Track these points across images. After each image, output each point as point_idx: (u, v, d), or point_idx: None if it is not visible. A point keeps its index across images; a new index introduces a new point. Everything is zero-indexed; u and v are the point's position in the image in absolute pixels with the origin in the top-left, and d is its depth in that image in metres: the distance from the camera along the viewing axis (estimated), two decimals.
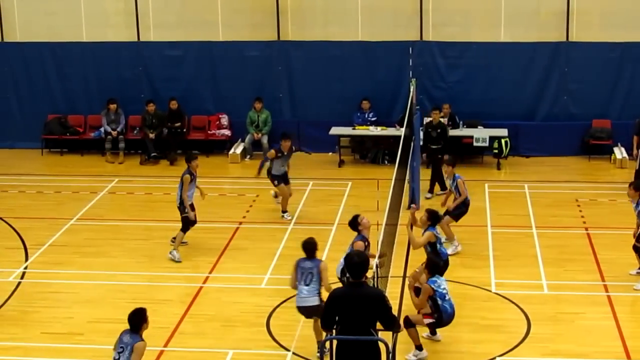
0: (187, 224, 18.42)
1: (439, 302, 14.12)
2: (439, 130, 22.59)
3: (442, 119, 24.50)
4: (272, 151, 20.66)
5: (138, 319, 12.05)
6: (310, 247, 14.18)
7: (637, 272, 17.30)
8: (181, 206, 18.30)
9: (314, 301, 13.99)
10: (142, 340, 11.96)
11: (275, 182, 20.52)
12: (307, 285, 14.10)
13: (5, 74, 26.96)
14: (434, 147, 22.61)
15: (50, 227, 20.45)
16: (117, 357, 12.01)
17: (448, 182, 19.35)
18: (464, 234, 19.92)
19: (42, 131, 26.73)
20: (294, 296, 16.70)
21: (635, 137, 22.68)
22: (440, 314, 14.22)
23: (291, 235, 19.91)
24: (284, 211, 20.83)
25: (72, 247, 19.47)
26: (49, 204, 22.26)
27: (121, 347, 12.03)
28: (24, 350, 15.13)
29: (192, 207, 18.56)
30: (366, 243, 15.02)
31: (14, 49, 26.92)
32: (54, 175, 24.70)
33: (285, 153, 20.55)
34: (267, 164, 20.66)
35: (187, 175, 18.26)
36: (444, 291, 14.24)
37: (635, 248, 17.19)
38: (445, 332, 15.27)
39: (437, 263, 14.74)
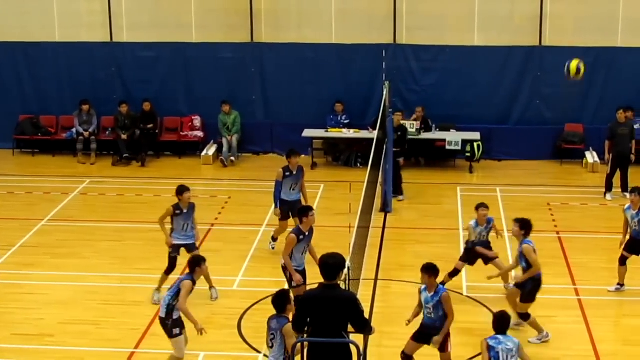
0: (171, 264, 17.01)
1: None
2: (399, 133, 22.44)
3: (415, 122, 24.69)
4: (280, 171, 18.58)
5: (282, 301, 12.04)
6: (279, 301, 12.25)
7: (617, 289, 17.23)
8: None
9: None
10: (289, 321, 11.87)
11: (284, 208, 18.49)
12: (270, 347, 12.27)
13: None
14: (396, 150, 22.19)
15: (21, 227, 20.43)
16: (271, 345, 12.12)
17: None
18: (436, 237, 20.07)
19: (14, 131, 26.63)
20: (265, 298, 16.84)
21: (607, 141, 22.88)
22: None
23: (263, 237, 19.97)
24: (274, 238, 19.04)
25: (44, 248, 19.44)
26: (20, 205, 22.24)
27: (272, 334, 12.05)
28: None
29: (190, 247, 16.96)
30: (300, 237, 14.93)
31: None
32: (25, 175, 24.67)
33: (295, 172, 18.66)
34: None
35: (171, 208, 16.96)
36: None
37: (622, 259, 17.26)
38: (407, 333, 15.35)
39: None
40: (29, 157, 26.46)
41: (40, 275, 18.10)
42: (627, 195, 22.04)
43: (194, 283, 13.75)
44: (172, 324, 13.49)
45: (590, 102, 25.79)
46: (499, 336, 12.28)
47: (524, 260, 14.87)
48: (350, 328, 11.52)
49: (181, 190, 16.98)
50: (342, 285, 11.84)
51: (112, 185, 23.44)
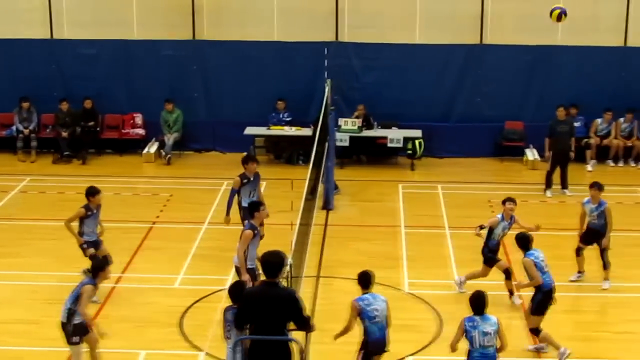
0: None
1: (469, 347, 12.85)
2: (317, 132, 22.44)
3: (356, 119, 24.78)
4: (237, 178, 18.12)
5: (238, 292, 12.09)
6: (235, 292, 12.29)
7: (578, 277, 17.63)
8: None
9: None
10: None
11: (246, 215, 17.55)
12: (228, 338, 12.17)
13: None
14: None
15: None
16: (228, 337, 12.04)
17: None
18: (377, 234, 20.18)
19: None
20: (207, 296, 16.86)
21: (547, 139, 23.08)
22: None
23: (205, 235, 20.01)
24: None
25: None
26: None
27: (228, 325, 12.02)
28: None
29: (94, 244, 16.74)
30: (255, 232, 15.07)
31: None
32: None
33: (252, 178, 18.23)
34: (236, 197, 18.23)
35: (82, 210, 16.60)
36: None
37: (578, 250, 17.58)
38: (356, 332, 15.42)
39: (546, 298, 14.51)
40: None
41: None
42: (567, 192, 22.44)
43: (95, 287, 13.59)
44: (72, 330, 13.30)
45: (530, 100, 26.04)
46: (476, 318, 12.51)
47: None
48: (292, 325, 11.61)
49: (92, 191, 16.76)
50: (284, 283, 11.91)
51: (53, 184, 23.27)
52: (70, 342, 13.34)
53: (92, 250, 16.57)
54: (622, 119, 25.58)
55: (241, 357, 11.43)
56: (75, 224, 16.64)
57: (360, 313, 12.59)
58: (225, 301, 16.07)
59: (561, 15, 20.02)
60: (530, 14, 25.72)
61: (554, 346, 14.48)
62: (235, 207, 18.11)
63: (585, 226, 17.57)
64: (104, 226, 17.10)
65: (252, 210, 15.45)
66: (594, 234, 17.33)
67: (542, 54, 25.76)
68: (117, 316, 16.25)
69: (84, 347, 13.54)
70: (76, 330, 13.31)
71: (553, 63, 25.78)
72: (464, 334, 12.45)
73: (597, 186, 17.42)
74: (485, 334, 12.35)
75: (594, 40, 25.60)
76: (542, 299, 14.51)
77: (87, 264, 17.89)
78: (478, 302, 12.52)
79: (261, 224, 15.67)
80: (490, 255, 16.85)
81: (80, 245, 16.64)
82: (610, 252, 17.41)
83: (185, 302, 16.71)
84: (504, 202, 16.80)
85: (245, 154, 24.85)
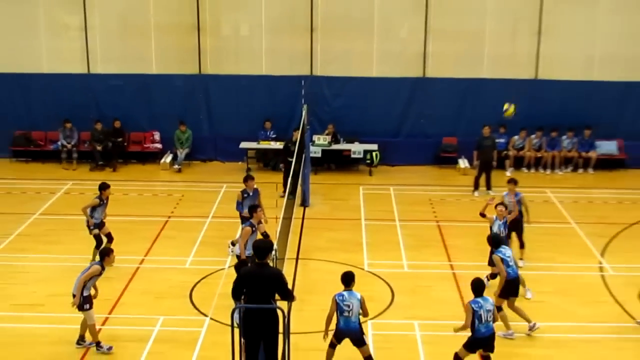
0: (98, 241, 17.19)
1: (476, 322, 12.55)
2: (297, 146, 22.47)
3: (327, 136, 24.87)
4: (239, 193, 17.73)
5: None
6: (240, 267, 12.69)
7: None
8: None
9: None
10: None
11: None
12: None
13: None
14: (290, 159, 21.67)
15: (17, 220, 20.26)
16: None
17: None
18: (343, 225, 20.25)
19: (11, 144, 26.35)
20: (210, 274, 16.94)
21: (475, 151, 23.23)
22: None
23: (209, 227, 20.06)
24: (234, 243, 18.06)
25: (35, 236, 19.33)
26: (16, 202, 22.02)
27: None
28: None
29: (100, 225, 17.23)
30: (253, 229, 15.05)
31: None
32: (20, 179, 24.37)
33: (251, 193, 17.65)
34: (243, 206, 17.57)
35: (97, 200, 17.16)
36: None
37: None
38: (323, 300, 15.51)
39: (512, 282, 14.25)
40: (23, 165, 26.13)
41: (32, 258, 18.01)
42: (491, 192, 22.58)
43: (102, 269, 13.73)
44: (82, 301, 13.52)
45: (462, 121, 26.01)
46: (479, 300, 12.48)
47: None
48: (277, 297, 11.74)
49: (104, 186, 17.35)
50: (271, 264, 12.04)
51: (90, 187, 23.13)
52: (82, 309, 13.56)
53: (96, 231, 17.09)
54: (533, 136, 25.73)
55: (241, 321, 11.46)
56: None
57: (336, 305, 12.50)
58: (224, 278, 16.29)
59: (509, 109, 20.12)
60: (462, 54, 25.93)
61: (506, 326, 14.21)
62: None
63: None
64: (107, 213, 17.47)
65: (250, 211, 15.50)
66: (513, 222, 17.45)
67: (472, 84, 25.81)
68: (141, 289, 16.38)
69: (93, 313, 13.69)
70: (85, 300, 13.55)
71: (480, 92, 25.82)
72: (473, 315, 12.36)
73: (513, 181, 17.72)
74: (488, 311, 12.43)
75: (511, 74, 25.65)
76: (506, 286, 14.24)
77: (115, 248, 18.10)
78: (479, 287, 12.56)
79: (259, 222, 15.69)
80: None
81: (89, 226, 17.07)
82: (523, 239, 17.57)
83: (194, 278, 16.83)
84: (496, 207, 16.54)
85: (239, 162, 25.19)
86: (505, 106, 20.13)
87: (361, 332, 12.63)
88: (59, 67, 26.33)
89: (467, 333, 12.55)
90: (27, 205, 21.67)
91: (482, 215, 16.67)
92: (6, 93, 26.38)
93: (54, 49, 26.45)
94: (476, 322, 12.39)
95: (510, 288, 14.41)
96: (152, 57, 26.34)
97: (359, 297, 12.52)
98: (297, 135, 22.27)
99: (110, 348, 13.73)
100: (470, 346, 12.62)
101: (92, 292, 13.80)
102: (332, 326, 12.67)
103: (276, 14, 25.95)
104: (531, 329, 14.39)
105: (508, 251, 14.59)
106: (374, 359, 12.81)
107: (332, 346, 12.76)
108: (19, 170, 25.51)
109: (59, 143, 25.95)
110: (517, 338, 14.28)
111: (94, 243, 17.25)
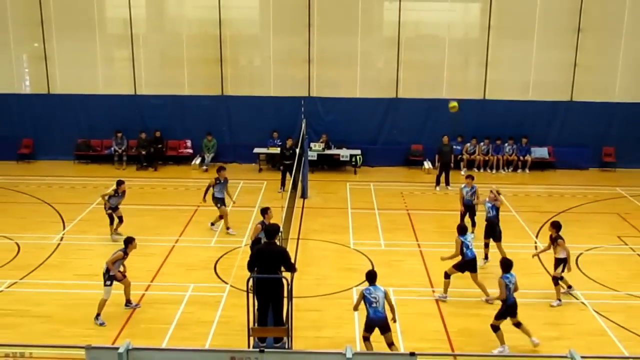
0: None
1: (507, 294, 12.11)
2: (290, 152, 22.29)
3: (322, 143, 24.67)
4: (213, 180, 18.15)
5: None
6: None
7: (472, 237, 15.92)
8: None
9: None
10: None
11: (218, 205, 18.19)
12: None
13: (50, 113, 26.23)
14: (287, 162, 22.13)
15: (79, 209, 20.11)
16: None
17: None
18: (334, 212, 20.14)
19: (74, 149, 26.15)
20: (232, 250, 16.79)
21: (437, 155, 23.17)
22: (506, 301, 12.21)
23: (230, 214, 19.80)
24: (228, 227, 18.28)
25: (93, 221, 19.14)
26: (79, 195, 21.84)
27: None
28: (62, 286, 14.96)
29: (115, 209, 17.64)
30: (262, 227, 14.39)
31: (57, 98, 26.21)
32: (81, 177, 24.16)
33: (222, 181, 18.22)
34: (211, 189, 18.23)
35: (112, 191, 17.68)
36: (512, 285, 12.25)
37: (461, 218, 17.36)
38: (319, 271, 15.38)
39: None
40: (84, 165, 25.93)
41: (90, 238, 17.88)
42: (449, 187, 22.52)
43: (125, 254, 13.62)
44: (107, 278, 13.47)
45: (426, 131, 25.86)
46: (508, 275, 12.26)
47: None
48: (283, 268, 11.61)
49: (120, 182, 17.76)
50: (278, 242, 11.92)
51: (136, 182, 23.12)
52: (105, 285, 13.48)
53: (110, 212, 17.50)
54: (482, 143, 25.65)
55: (254, 288, 11.39)
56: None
57: (364, 299, 11.68)
58: (241, 254, 16.13)
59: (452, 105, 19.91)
60: (426, 80, 25.88)
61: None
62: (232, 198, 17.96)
63: (462, 205, 17.57)
64: (122, 202, 17.79)
65: (263, 213, 14.85)
66: (468, 207, 17.36)
67: (434, 103, 25.63)
68: (176, 263, 16.26)
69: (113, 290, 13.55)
70: (109, 278, 13.46)
71: (440, 109, 25.25)
72: (505, 288, 12.03)
73: (470, 177, 17.71)
74: (514, 284, 12.31)
75: (465, 95, 25.42)
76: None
77: (156, 231, 17.99)
78: (508, 264, 12.36)
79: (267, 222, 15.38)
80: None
81: (105, 207, 17.55)
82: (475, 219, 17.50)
83: (218, 254, 16.74)
84: (491, 192, 16.29)
85: (253, 164, 25.00)
86: (452, 104, 19.93)
87: (387, 321, 11.72)
88: (112, 89, 26.20)
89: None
90: (87, 197, 21.47)
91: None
92: (71, 109, 26.23)
93: (108, 76, 26.32)
94: (507, 292, 12.11)
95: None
96: (184, 82, 26.18)
97: (383, 290, 11.75)
98: (290, 143, 22.53)
99: (102, 324, 13.27)
100: (503, 315, 12.22)
101: (121, 269, 13.66)
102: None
103: (282, 49, 25.81)
104: (487, 301, 14.17)
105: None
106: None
107: (366, 339, 11.77)
108: (81, 170, 25.31)
109: (112, 148, 25.81)
110: (473, 302, 14.13)
111: (136, 229, 17.29)
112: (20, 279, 15.19)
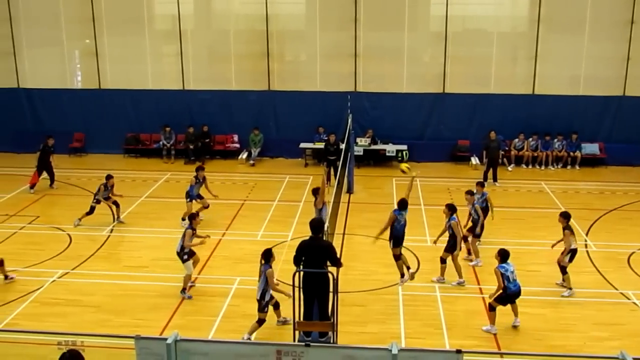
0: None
1: (505, 282, 12.53)
2: (335, 147, 22.31)
3: (367, 139, 24.58)
4: (193, 179, 18.29)
5: (268, 255, 12.16)
6: (267, 255, 12.21)
7: (471, 262, 16.01)
8: None
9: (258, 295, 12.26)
10: (271, 267, 12.02)
11: (188, 200, 18.13)
12: (258, 282, 12.27)
13: (101, 108, 26.69)
14: (331, 157, 22.23)
15: (128, 202, 20.33)
16: (259, 280, 12.13)
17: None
18: (379, 208, 19.90)
19: (124, 143, 26.57)
20: (276, 245, 16.80)
21: (484, 151, 22.88)
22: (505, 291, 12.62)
23: (276, 208, 19.98)
24: (183, 219, 18.07)
25: (142, 214, 19.45)
26: (128, 188, 22.09)
27: (260, 274, 12.13)
28: (111, 277, 15.18)
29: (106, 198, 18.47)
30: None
31: (107, 93, 26.67)
32: (130, 170, 24.55)
33: (201, 180, 18.29)
34: (195, 187, 18.34)
35: (102, 187, 18.43)
36: (512, 275, 12.61)
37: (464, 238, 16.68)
38: (364, 266, 15.27)
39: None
40: (133, 159, 26.34)
41: (139, 230, 18.12)
42: (496, 184, 22.27)
43: (193, 230, 14.15)
44: (183, 254, 14.10)
45: (473, 127, 25.60)
46: (504, 265, 12.57)
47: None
48: (328, 263, 11.60)
49: (109, 176, 18.57)
50: (324, 237, 11.90)
51: (184, 176, 23.36)
52: (183, 261, 14.07)
53: (96, 203, 18.24)
54: (530, 139, 25.25)
55: (300, 282, 11.41)
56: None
57: (502, 275, 12.45)
58: (287, 248, 16.16)
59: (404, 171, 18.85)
60: (473, 74, 25.57)
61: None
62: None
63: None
64: (115, 193, 18.61)
65: (314, 192, 15.53)
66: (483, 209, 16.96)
67: (481, 98, 25.43)
68: (223, 256, 16.36)
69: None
70: (185, 254, 14.09)
71: (487, 104, 25.48)
72: (502, 277, 12.48)
73: (480, 184, 17.23)
74: (513, 272, 12.58)
75: (512, 90, 25.24)
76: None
77: (203, 224, 18.11)
78: (505, 254, 12.67)
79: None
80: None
81: (96, 198, 18.29)
82: (522, 221, 17.20)
83: (264, 248, 16.62)
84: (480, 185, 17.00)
85: (299, 158, 25.00)
86: (402, 166, 18.62)
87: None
88: (161, 84, 26.52)
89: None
90: (136, 190, 21.80)
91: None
92: (121, 104, 26.65)
93: (157, 71, 26.63)
94: (505, 282, 12.42)
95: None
96: (232, 77, 26.33)
97: (513, 265, 12.64)
98: (333, 138, 22.54)
99: (189, 297, 13.98)
100: (501, 300, 12.65)
101: (198, 241, 14.20)
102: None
103: (328, 44, 25.80)
104: (459, 283, 14.48)
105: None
106: (404, 315, 12.55)
107: (492, 309, 12.73)
108: (130, 164, 25.70)
109: (161, 143, 26.11)
110: (520, 300, 13.91)
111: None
112: (72, 269, 15.50)
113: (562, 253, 14.43)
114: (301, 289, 11.40)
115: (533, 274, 15.02)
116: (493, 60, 25.50)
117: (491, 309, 12.73)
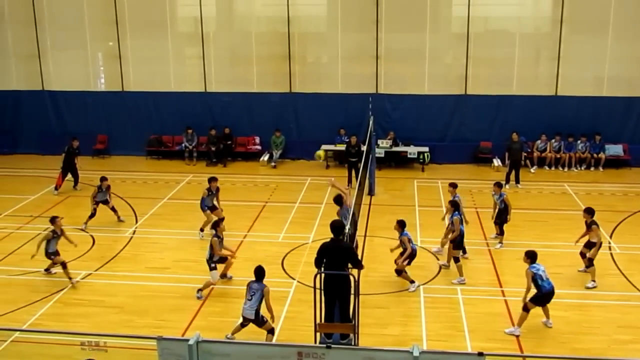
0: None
1: (539, 282, 12.53)
2: (356, 149, 22.26)
3: (389, 140, 24.49)
4: (205, 191, 17.75)
5: (262, 273, 12.04)
6: (260, 273, 12.13)
7: (498, 244, 16.88)
8: None
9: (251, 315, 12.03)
10: (266, 286, 11.91)
11: (208, 211, 17.70)
12: (249, 300, 11.98)
13: (124, 110, 26.88)
14: (352, 159, 22.26)
15: (150, 203, 20.49)
16: (250, 298, 11.87)
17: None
18: (401, 210, 19.87)
19: (146, 145, 26.72)
20: (297, 247, 16.79)
21: (506, 152, 22.71)
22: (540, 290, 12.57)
23: (297, 210, 19.97)
24: (202, 229, 17.75)
25: (164, 215, 19.53)
26: (150, 190, 22.29)
27: (252, 292, 11.92)
28: (134, 278, 15.26)
29: (103, 202, 18.61)
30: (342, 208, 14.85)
31: (130, 96, 26.85)
32: (153, 172, 24.69)
33: (214, 192, 17.83)
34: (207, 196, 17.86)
35: (96, 189, 18.52)
36: (543, 274, 12.59)
37: (495, 224, 17.13)
38: (386, 268, 15.22)
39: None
40: (155, 161, 26.48)
41: (162, 232, 18.19)
42: (519, 185, 22.09)
43: (219, 237, 14.30)
44: (211, 262, 14.24)
45: (495, 128, 25.42)
46: (535, 265, 12.63)
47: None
48: (350, 265, 11.57)
49: (103, 178, 18.56)
50: (344, 239, 11.87)
51: (206, 178, 23.39)
52: (210, 269, 14.13)
53: (95, 206, 18.26)
54: (553, 140, 25.01)
55: (321, 284, 11.38)
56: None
57: (534, 276, 12.46)
58: (308, 250, 16.14)
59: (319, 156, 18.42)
60: (496, 75, 25.37)
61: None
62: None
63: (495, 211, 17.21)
64: (112, 196, 18.89)
65: (336, 201, 15.31)
66: (501, 212, 16.98)
67: (503, 100, 25.23)
68: (244, 257, 16.31)
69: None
70: (213, 262, 14.25)
71: (510, 105, 25.27)
72: (534, 278, 12.48)
73: (497, 185, 17.26)
74: (544, 271, 12.61)
75: (535, 91, 25.04)
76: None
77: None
78: (534, 255, 12.68)
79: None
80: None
81: (92, 204, 18.31)
82: (545, 223, 17.06)
83: (285, 249, 16.77)
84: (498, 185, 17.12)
85: (321, 161, 24.98)
86: (317, 154, 18.43)
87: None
88: (183, 87, 26.63)
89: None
90: (159, 192, 21.90)
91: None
92: (144, 106, 26.81)
93: (179, 74, 26.75)
94: (539, 281, 12.44)
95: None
96: (253, 79, 26.36)
97: (544, 267, 12.65)
98: (354, 140, 22.49)
99: (200, 297, 14.10)
100: (537, 300, 12.60)
101: (228, 252, 14.54)
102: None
103: (349, 46, 25.76)
104: (413, 286, 14.45)
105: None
106: (425, 318, 12.49)
107: (526, 309, 12.68)
108: (152, 166, 25.83)
109: (183, 145, 26.20)
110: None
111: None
112: (95, 270, 15.61)
113: (593, 248, 14.56)
114: (322, 291, 11.35)
115: (556, 277, 14.78)
116: (515, 61, 25.29)
117: (525, 309, 12.67)
